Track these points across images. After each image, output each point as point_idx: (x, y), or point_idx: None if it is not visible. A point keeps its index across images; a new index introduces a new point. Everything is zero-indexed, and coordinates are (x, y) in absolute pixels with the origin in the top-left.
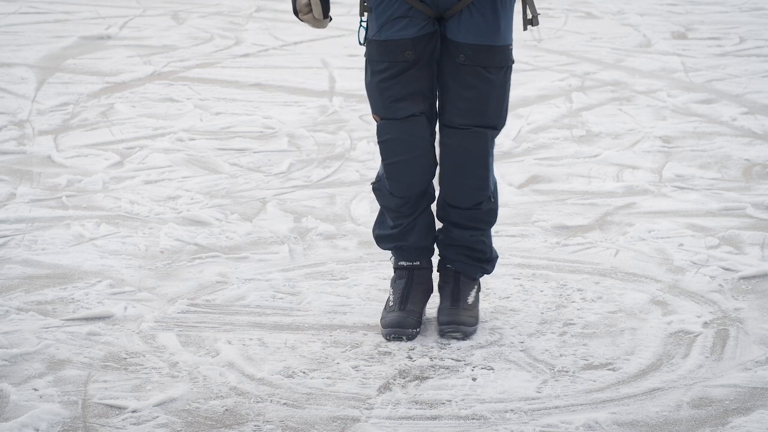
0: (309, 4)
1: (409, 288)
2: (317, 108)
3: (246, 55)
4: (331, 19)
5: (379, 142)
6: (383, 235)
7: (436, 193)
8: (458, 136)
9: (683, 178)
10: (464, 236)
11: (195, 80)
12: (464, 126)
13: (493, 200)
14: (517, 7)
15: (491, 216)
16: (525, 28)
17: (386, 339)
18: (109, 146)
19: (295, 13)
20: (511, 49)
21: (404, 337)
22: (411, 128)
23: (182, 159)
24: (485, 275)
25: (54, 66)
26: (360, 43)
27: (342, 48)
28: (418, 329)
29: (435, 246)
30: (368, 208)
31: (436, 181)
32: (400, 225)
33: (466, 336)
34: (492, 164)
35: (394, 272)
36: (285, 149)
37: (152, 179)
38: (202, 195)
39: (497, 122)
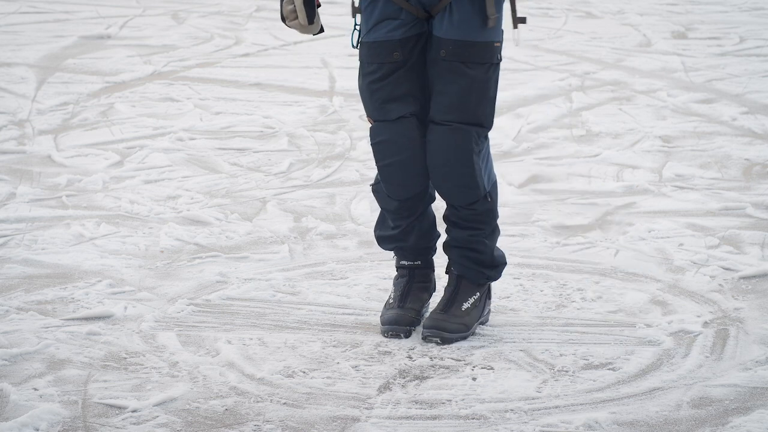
0: (295, 11)
1: (409, 286)
2: (317, 108)
3: (246, 55)
4: (320, 27)
5: (372, 145)
6: (384, 236)
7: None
8: (440, 133)
9: (683, 178)
10: (463, 236)
11: (195, 80)
12: (446, 122)
13: (489, 200)
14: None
15: (488, 216)
16: (515, 26)
17: (384, 336)
18: (109, 146)
19: (283, 19)
20: (498, 46)
21: (402, 334)
22: (402, 130)
23: (182, 159)
24: (490, 282)
25: (54, 66)
26: (353, 46)
27: (342, 48)
28: (415, 327)
29: (436, 245)
30: (368, 208)
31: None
32: (400, 226)
33: (444, 342)
34: (482, 163)
35: (397, 271)
36: (285, 149)
37: (152, 179)
38: (202, 195)
39: (481, 119)
